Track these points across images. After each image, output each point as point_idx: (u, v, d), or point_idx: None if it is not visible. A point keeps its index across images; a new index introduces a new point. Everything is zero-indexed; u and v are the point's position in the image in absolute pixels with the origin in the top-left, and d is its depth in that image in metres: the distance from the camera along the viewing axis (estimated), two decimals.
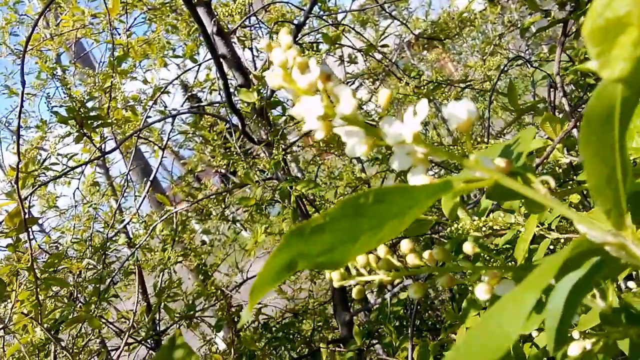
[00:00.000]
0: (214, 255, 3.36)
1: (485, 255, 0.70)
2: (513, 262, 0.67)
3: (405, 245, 0.43)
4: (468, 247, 0.48)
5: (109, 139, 2.18)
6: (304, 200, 1.55)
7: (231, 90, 1.72)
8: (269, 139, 1.43)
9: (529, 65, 2.11)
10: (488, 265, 0.49)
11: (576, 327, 0.53)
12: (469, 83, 2.25)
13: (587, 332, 0.51)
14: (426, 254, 0.43)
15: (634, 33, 0.21)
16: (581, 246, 0.28)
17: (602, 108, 0.25)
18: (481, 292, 0.40)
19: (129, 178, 2.72)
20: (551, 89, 1.24)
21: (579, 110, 1.25)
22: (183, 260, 2.77)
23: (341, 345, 1.72)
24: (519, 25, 3.65)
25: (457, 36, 2.73)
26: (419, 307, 2.05)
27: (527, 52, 2.81)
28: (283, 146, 1.31)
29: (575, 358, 0.48)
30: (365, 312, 2.02)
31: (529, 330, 0.45)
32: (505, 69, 1.98)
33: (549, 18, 1.32)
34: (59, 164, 1.76)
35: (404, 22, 3.07)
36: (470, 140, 0.33)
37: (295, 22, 2.16)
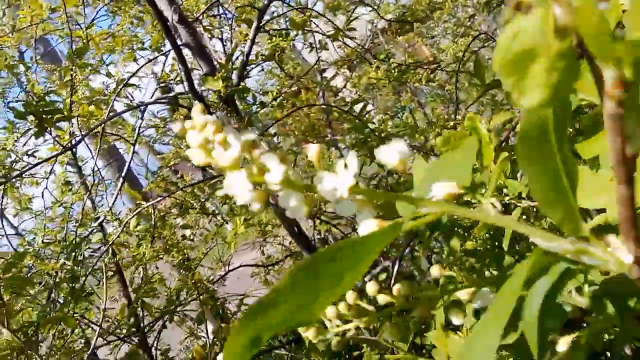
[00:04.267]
0: (197, 250, 3.35)
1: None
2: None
3: (371, 287, 0.43)
4: (435, 271, 0.47)
5: (78, 137, 2.14)
6: None
7: (198, 78, 1.69)
8: (239, 127, 1.42)
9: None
10: (457, 287, 0.48)
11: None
12: (437, 65, 2.25)
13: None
14: (394, 291, 0.43)
15: (545, 61, 0.21)
16: (540, 261, 0.28)
17: (534, 126, 0.26)
18: (455, 317, 0.40)
19: (101, 176, 2.68)
20: None
21: None
22: (165, 256, 2.74)
23: None
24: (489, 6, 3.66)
25: (427, 19, 2.72)
26: None
27: (496, 31, 2.82)
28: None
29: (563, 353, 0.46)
30: None
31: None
32: (474, 48, 1.98)
33: None
34: (18, 161, 1.72)
35: (375, 7, 3.06)
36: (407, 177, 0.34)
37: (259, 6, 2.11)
